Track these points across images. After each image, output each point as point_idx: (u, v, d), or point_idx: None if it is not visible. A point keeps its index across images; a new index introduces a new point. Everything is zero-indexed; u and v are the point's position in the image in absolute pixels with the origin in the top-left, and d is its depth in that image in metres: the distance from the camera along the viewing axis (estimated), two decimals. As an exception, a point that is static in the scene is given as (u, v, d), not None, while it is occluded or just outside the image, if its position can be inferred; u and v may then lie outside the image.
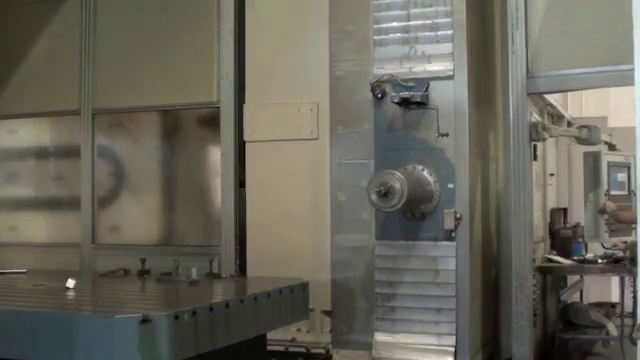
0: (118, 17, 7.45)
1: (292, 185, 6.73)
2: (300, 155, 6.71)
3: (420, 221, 6.07)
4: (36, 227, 7.89)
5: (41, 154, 7.93)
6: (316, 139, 6.65)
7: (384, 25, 6.18)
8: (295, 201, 6.71)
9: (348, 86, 6.53)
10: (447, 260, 5.97)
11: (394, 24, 6.14)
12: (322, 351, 6.65)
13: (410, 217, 6.08)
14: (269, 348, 6.19)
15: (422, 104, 6.01)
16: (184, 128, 7.36)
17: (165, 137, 7.42)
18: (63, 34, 7.67)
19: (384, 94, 6.10)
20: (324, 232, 6.56)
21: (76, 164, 7.59)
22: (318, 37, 6.63)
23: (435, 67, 6.03)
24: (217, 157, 6.94)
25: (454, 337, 5.89)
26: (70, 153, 7.69)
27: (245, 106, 6.91)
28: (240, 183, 6.99)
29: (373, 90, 6.13)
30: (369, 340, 6.10)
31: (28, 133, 8.03)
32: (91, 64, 7.48)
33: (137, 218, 7.45)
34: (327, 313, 6.60)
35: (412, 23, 6.10)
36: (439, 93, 6.01)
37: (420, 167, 6.07)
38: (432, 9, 6.04)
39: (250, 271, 6.80)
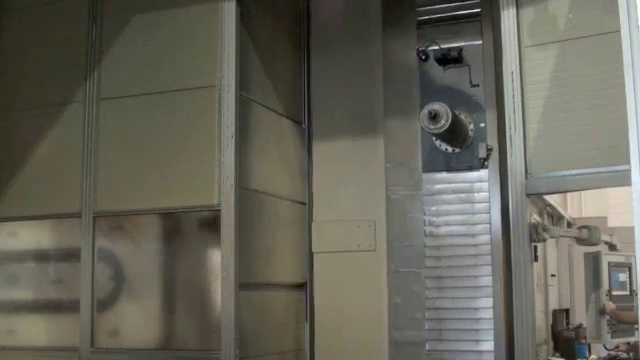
0: (119, 121, 7.51)
1: (354, 290, 7.81)
2: (360, 264, 7.81)
3: (458, 155, 7.56)
4: (35, 330, 7.78)
5: (41, 257, 7.87)
6: (374, 250, 7.74)
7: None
8: (356, 303, 7.76)
9: (401, 207, 7.79)
10: (481, 184, 7.44)
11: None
12: None
13: (451, 152, 7.58)
14: None
15: (458, 61, 7.55)
16: (185, 231, 7.35)
17: (166, 240, 7.40)
18: (65, 138, 7.71)
19: (427, 57, 7.65)
20: (382, 330, 7.63)
21: (76, 267, 7.51)
22: (375, 166, 7.89)
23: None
24: (217, 259, 6.90)
25: (489, 246, 7.27)
26: (70, 256, 7.63)
27: (313, 224, 8.10)
28: (299, 286, 7.83)
29: (419, 54, 7.65)
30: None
31: (28, 236, 8.00)
32: (92, 167, 7.50)
33: (136, 322, 7.35)
34: None
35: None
36: (470, 54, 7.59)
37: (457, 112, 7.36)
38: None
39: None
